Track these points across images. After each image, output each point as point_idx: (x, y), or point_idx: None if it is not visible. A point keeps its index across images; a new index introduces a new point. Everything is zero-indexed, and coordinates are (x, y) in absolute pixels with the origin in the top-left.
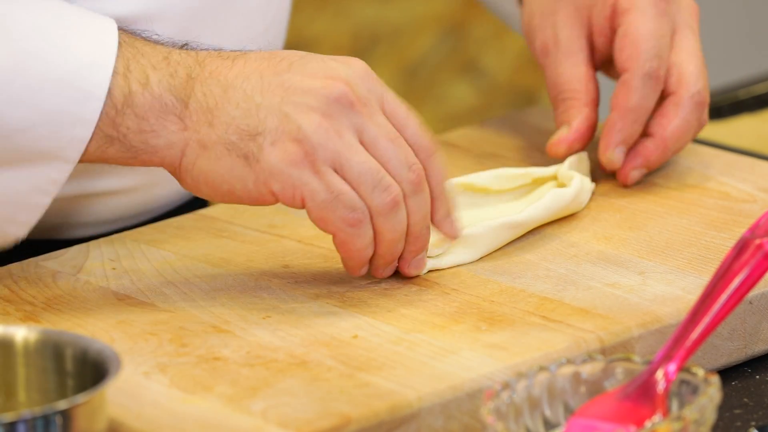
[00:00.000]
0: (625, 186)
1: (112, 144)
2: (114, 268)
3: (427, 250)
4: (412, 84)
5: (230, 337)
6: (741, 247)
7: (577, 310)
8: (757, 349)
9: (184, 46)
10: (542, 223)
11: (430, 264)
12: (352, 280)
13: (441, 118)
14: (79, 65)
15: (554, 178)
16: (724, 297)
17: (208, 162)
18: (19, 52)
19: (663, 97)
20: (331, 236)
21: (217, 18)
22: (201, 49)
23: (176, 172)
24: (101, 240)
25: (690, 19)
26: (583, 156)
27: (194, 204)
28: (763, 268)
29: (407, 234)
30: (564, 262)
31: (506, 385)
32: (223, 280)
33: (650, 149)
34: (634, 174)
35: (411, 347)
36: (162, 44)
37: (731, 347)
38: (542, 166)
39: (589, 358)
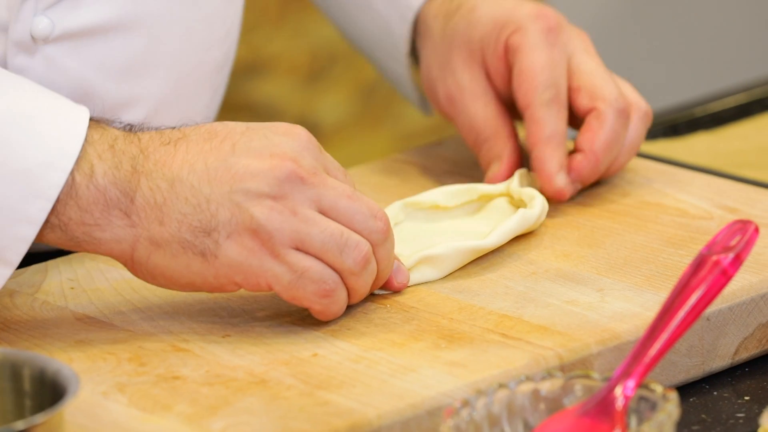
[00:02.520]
0: (560, 201)
1: (53, 231)
2: (72, 288)
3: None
4: (369, 103)
5: (189, 356)
6: (698, 263)
7: (536, 327)
8: (714, 365)
9: (130, 129)
10: (503, 243)
11: None
12: None
13: (398, 138)
14: (38, 162)
15: (506, 194)
16: (681, 313)
17: (164, 259)
18: None
19: (582, 117)
20: None
21: (182, 24)
22: (143, 132)
23: (128, 263)
24: (59, 259)
25: (583, 44)
26: (536, 174)
27: None
28: (720, 284)
29: (376, 279)
30: (523, 280)
31: (466, 403)
32: (182, 299)
33: (582, 164)
34: (568, 188)
35: (371, 365)
36: (110, 127)
37: (689, 363)
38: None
39: (549, 375)
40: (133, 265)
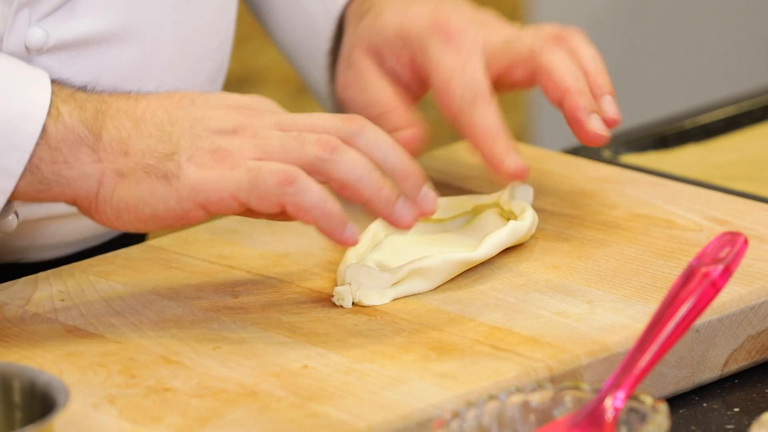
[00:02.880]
0: (522, 179)
1: (24, 176)
2: (62, 300)
3: (426, 185)
4: None
5: (180, 368)
6: (688, 275)
7: (527, 338)
8: (704, 377)
9: (85, 88)
10: (494, 255)
11: (389, 294)
12: (302, 311)
13: None
14: (10, 116)
15: (496, 205)
16: (671, 325)
17: (128, 188)
18: None
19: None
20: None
21: (175, 35)
22: (102, 91)
23: (92, 204)
24: (50, 272)
25: (488, 26)
26: (528, 187)
27: (142, 236)
28: (710, 296)
29: (389, 174)
30: (513, 291)
31: (456, 414)
32: (173, 311)
33: (576, 105)
34: (524, 165)
35: (361, 377)
36: (65, 86)
37: (679, 375)
38: (490, 193)
39: (539, 386)
40: (97, 205)
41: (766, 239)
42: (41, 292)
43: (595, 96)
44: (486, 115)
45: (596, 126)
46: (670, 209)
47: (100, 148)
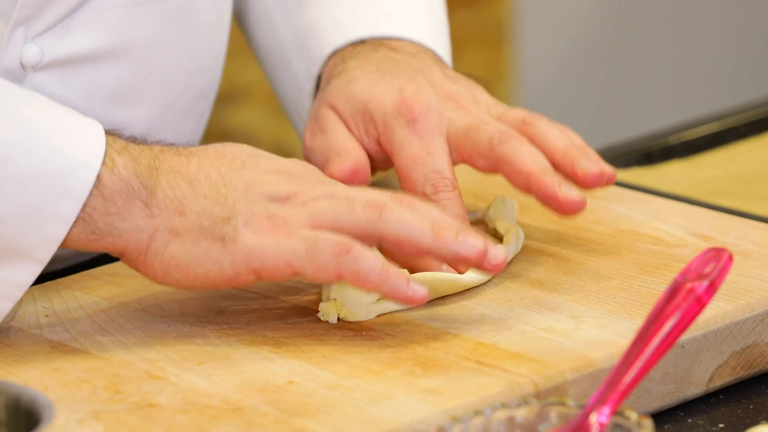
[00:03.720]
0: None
1: (76, 225)
2: (47, 316)
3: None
4: None
5: (165, 383)
6: (673, 291)
7: (512, 354)
8: (689, 392)
9: (135, 140)
10: (485, 281)
11: (374, 310)
12: (287, 326)
13: None
14: (66, 163)
15: (481, 222)
16: (656, 341)
17: (182, 247)
18: (7, 142)
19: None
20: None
21: (170, 51)
22: (153, 143)
23: (140, 257)
24: (34, 287)
25: (455, 114)
26: (512, 201)
27: None
28: (695, 312)
29: (444, 227)
30: (498, 307)
31: (441, 430)
32: (158, 326)
33: (544, 186)
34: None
35: (346, 392)
36: (118, 137)
37: (664, 391)
38: (475, 210)
39: (524, 402)
40: (146, 259)
41: (751, 255)
42: (26, 308)
43: (569, 166)
44: (446, 209)
45: (568, 194)
46: (655, 225)
47: (153, 204)
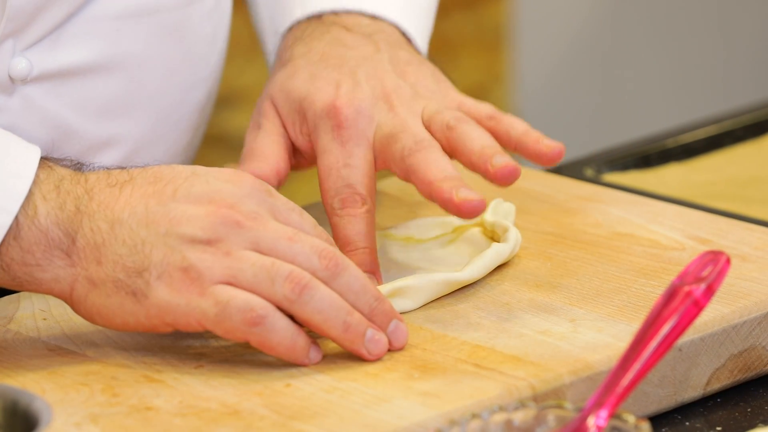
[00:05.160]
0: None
1: None
2: (45, 319)
3: (402, 321)
4: None
5: (162, 386)
6: (670, 294)
7: (509, 357)
8: (686, 395)
9: (79, 168)
10: (481, 277)
11: None
12: None
13: None
14: None
15: (479, 224)
16: (653, 344)
17: (99, 298)
18: None
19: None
20: None
21: (163, 65)
22: (91, 172)
23: (68, 301)
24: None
25: (387, 107)
26: (510, 205)
27: None
28: (692, 315)
29: (363, 314)
30: (496, 310)
31: None
32: None
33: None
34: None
35: (344, 395)
36: (58, 166)
37: (661, 394)
38: None
39: (521, 405)
40: (72, 303)
41: (749, 258)
42: (23, 311)
43: (482, 165)
44: (350, 226)
45: (466, 195)
46: (653, 228)
47: (73, 253)
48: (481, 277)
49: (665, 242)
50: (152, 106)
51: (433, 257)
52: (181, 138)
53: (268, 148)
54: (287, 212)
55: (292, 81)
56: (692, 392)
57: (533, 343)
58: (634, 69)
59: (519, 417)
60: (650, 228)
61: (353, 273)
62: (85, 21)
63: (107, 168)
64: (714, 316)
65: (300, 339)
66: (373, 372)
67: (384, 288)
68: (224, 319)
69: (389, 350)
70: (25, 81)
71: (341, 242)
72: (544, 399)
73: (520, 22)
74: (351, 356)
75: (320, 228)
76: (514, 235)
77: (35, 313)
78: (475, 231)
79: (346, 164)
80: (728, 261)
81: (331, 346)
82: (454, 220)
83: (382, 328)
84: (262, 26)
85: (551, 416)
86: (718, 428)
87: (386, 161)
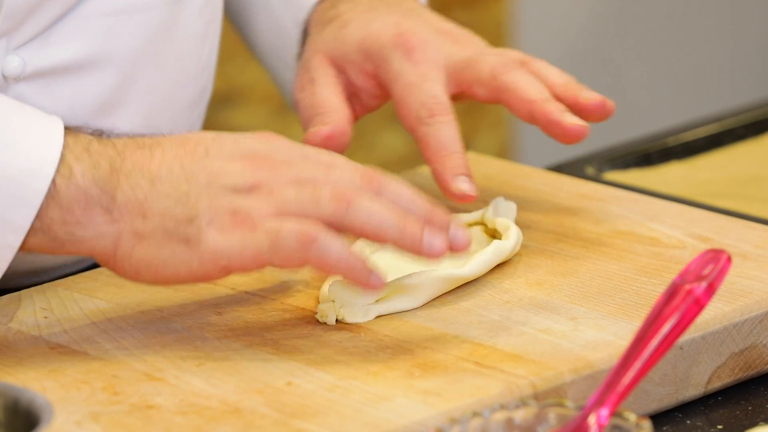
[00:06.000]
0: (466, 202)
1: (35, 235)
2: (46, 317)
3: (461, 226)
4: None
5: (163, 385)
6: (671, 292)
7: (510, 355)
8: (687, 394)
9: (101, 135)
10: (482, 274)
11: (372, 311)
12: (286, 328)
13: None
14: (19, 171)
15: (480, 223)
16: (654, 342)
17: (148, 250)
18: None
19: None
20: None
21: (155, 62)
22: (117, 138)
23: (110, 260)
24: (33, 289)
25: (451, 42)
26: (511, 203)
27: None
28: (693, 313)
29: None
30: (497, 308)
31: (440, 431)
32: (156, 328)
33: (545, 111)
34: (469, 190)
35: (345, 394)
36: (81, 133)
37: (662, 392)
38: (474, 210)
39: (522, 403)
40: (115, 261)
41: (750, 256)
42: (24, 309)
43: (571, 96)
44: (441, 132)
45: (573, 120)
46: (654, 226)
47: (115, 209)
48: (481, 274)
49: (666, 240)
50: (143, 103)
51: None
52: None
53: (330, 99)
54: (318, 153)
55: (347, 29)
56: (693, 390)
57: (534, 342)
58: (635, 67)
59: (520, 415)
60: (651, 226)
61: (398, 186)
62: (77, 18)
63: (130, 135)
64: (715, 314)
65: (359, 259)
66: (373, 370)
67: (386, 286)
68: (280, 247)
69: (453, 250)
70: (18, 79)
71: (433, 149)
72: (545, 397)
73: (521, 19)
74: (352, 354)
75: (355, 162)
76: (515, 233)
77: (36, 311)
78: (477, 229)
79: (425, 79)
80: (729, 259)
81: (332, 346)
82: (457, 218)
83: (441, 230)
84: (269, 16)
85: (552, 414)
86: (719, 426)
87: (467, 83)
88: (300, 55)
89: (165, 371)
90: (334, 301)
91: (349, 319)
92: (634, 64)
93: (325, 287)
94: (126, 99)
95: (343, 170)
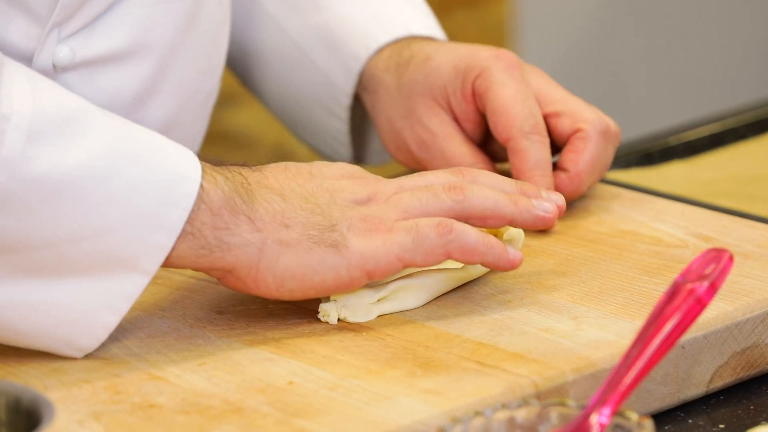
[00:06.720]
0: (548, 228)
1: (185, 239)
2: None
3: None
4: None
5: (165, 384)
6: (673, 291)
7: (512, 355)
8: (689, 393)
9: (213, 161)
10: (483, 273)
11: (374, 311)
12: (287, 327)
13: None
14: (172, 173)
15: None
16: (656, 342)
17: (296, 257)
18: (116, 154)
19: (565, 140)
20: None
21: (186, 51)
22: (226, 163)
23: (252, 272)
24: None
25: (544, 77)
26: None
27: None
28: (695, 312)
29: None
30: (498, 308)
31: (442, 431)
32: (158, 327)
33: (565, 183)
34: (555, 215)
35: (346, 393)
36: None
37: (664, 391)
38: None
39: (524, 402)
40: (258, 272)
41: (751, 256)
42: None
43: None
44: (539, 150)
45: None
46: (656, 226)
47: (257, 219)
48: (483, 273)
49: (668, 240)
50: (175, 92)
51: None
52: (195, 124)
53: (461, 151)
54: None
55: (434, 60)
56: (695, 390)
57: (536, 341)
58: (637, 66)
59: (522, 414)
60: (653, 225)
61: (486, 173)
62: (122, 8)
63: (231, 162)
64: (717, 313)
65: (489, 237)
66: (375, 369)
67: (386, 286)
68: (422, 242)
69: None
70: (66, 69)
71: (528, 165)
72: (547, 396)
73: (522, 19)
74: (354, 354)
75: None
76: (517, 233)
77: None
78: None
79: (527, 97)
80: (731, 258)
81: (334, 345)
82: None
83: (540, 197)
84: (305, 68)
85: (554, 414)
86: (721, 426)
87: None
88: (369, 106)
89: (166, 370)
90: (336, 300)
91: (350, 318)
92: (636, 63)
93: None
94: (161, 88)
95: (435, 174)
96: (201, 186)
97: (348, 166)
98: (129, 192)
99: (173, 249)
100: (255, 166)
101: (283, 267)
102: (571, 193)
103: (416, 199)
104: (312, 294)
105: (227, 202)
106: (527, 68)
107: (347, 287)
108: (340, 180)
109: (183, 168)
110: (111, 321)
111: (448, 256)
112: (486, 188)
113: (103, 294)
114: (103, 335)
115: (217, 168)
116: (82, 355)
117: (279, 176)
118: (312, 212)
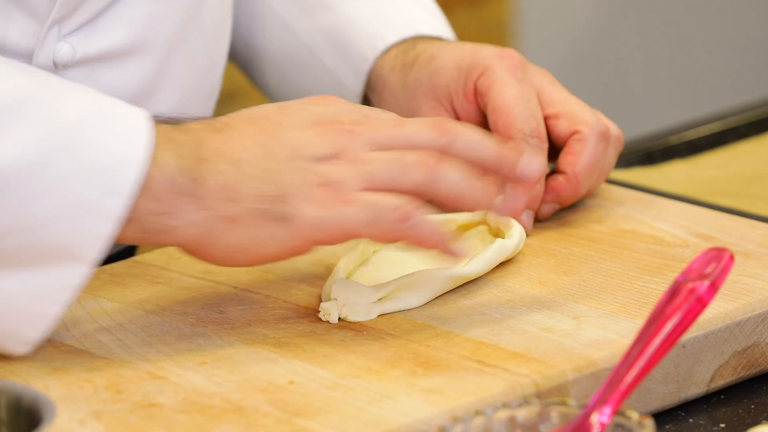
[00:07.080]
0: (538, 221)
1: (127, 225)
2: None
3: (538, 155)
4: None
5: (166, 383)
6: (674, 291)
7: (513, 354)
8: (690, 392)
9: (177, 122)
10: (484, 273)
11: (375, 310)
12: (288, 326)
13: None
14: (112, 160)
15: (483, 222)
16: (657, 341)
17: (243, 232)
18: (52, 143)
19: (563, 142)
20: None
21: (187, 48)
22: (190, 123)
23: (201, 249)
24: None
25: (548, 78)
26: None
27: (129, 251)
28: (696, 311)
29: (492, 161)
30: (499, 307)
31: (442, 430)
32: (159, 326)
33: (562, 185)
34: (546, 209)
35: (347, 392)
36: (160, 121)
37: (665, 391)
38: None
39: (525, 402)
40: (207, 248)
41: (752, 255)
42: None
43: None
44: (535, 155)
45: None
46: (656, 225)
47: (203, 197)
48: (484, 273)
49: (669, 239)
50: (177, 89)
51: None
52: None
53: None
54: (376, 112)
55: (438, 60)
56: (696, 389)
57: (537, 340)
58: (638, 66)
59: (522, 414)
60: (654, 225)
61: (468, 131)
62: (123, 5)
63: (198, 118)
64: (717, 312)
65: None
66: (376, 369)
67: (387, 285)
68: (378, 222)
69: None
70: (67, 66)
71: None
72: (548, 396)
73: (523, 19)
74: (355, 353)
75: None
76: (518, 232)
77: None
78: (480, 228)
79: (529, 98)
80: (732, 258)
81: (335, 344)
82: (458, 217)
83: (512, 174)
84: (314, 70)
85: (555, 413)
86: (722, 425)
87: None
88: (374, 106)
89: (167, 370)
90: (336, 299)
91: (351, 317)
92: (637, 62)
93: (328, 286)
94: (162, 86)
95: (413, 124)
96: (147, 170)
97: (325, 104)
98: (66, 182)
99: (117, 235)
100: (226, 117)
101: (230, 242)
102: (569, 195)
103: (384, 169)
104: (262, 262)
105: (172, 185)
106: (531, 68)
107: (294, 254)
108: (307, 130)
109: (128, 151)
110: (54, 312)
111: (400, 240)
112: (457, 172)
113: (44, 285)
114: (48, 327)
115: (172, 139)
116: (27, 349)
117: (244, 133)
118: (264, 180)
